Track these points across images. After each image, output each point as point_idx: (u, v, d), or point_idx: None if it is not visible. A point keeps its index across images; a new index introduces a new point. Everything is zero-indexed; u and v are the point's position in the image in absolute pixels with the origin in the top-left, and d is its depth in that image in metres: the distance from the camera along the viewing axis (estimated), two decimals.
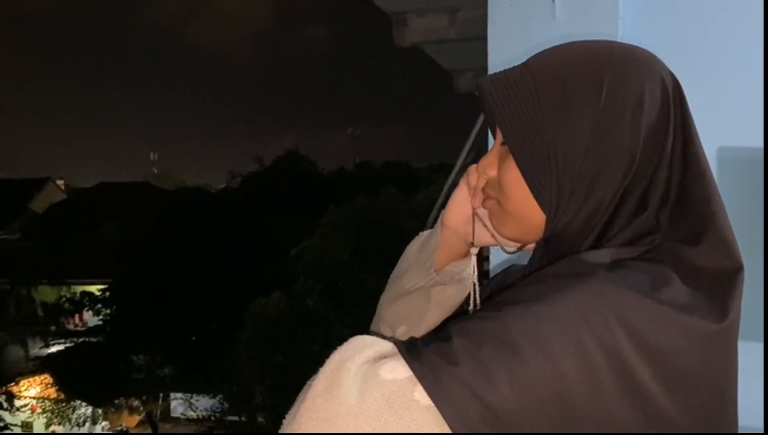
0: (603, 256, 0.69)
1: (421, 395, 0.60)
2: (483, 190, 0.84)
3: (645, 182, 0.72)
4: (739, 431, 0.73)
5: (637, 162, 0.71)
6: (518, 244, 0.85)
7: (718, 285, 0.69)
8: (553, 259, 0.76)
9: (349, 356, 0.65)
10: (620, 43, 0.77)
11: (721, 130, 1.25)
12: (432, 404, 0.60)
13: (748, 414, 0.90)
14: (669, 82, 0.74)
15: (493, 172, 0.80)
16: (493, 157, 0.80)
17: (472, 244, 0.89)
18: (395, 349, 0.66)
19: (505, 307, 0.64)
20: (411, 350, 0.64)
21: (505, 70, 0.77)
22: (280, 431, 0.65)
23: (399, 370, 0.62)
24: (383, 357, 0.65)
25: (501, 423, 0.59)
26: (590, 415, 0.61)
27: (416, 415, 0.60)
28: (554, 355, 0.60)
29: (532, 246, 0.83)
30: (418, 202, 12.38)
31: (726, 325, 0.67)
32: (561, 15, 1.39)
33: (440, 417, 0.59)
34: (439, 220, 0.93)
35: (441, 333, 0.66)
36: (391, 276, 0.99)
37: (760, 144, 1.32)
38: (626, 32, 1.34)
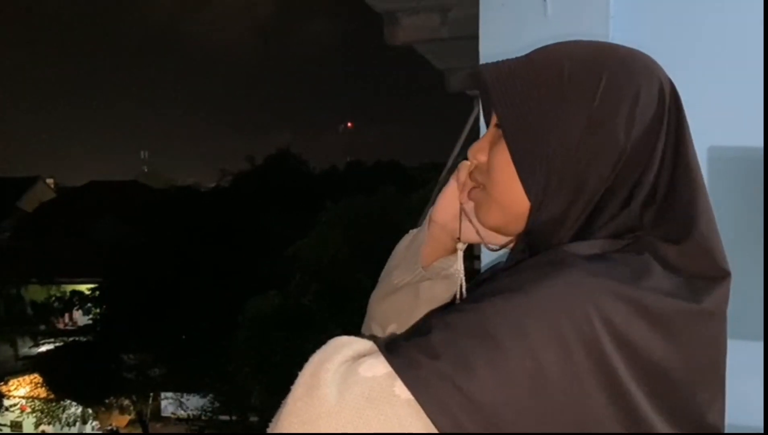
0: (584, 247, 0.69)
1: (401, 389, 0.60)
2: (471, 175, 0.84)
3: (632, 181, 0.72)
4: (741, 431, 0.73)
5: (625, 159, 0.71)
6: (503, 241, 0.85)
7: (696, 281, 0.69)
8: (534, 252, 0.76)
9: (327, 357, 0.65)
10: (623, 46, 0.78)
11: (712, 129, 1.26)
12: (412, 398, 0.60)
13: (750, 413, 0.90)
14: (666, 88, 0.75)
15: (483, 157, 0.81)
16: (485, 142, 0.81)
17: (459, 240, 0.90)
18: (374, 347, 0.66)
19: (485, 298, 0.64)
20: (390, 346, 0.64)
21: (506, 59, 0.78)
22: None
23: (378, 367, 0.62)
24: (362, 355, 0.65)
25: (482, 414, 0.59)
26: (568, 407, 0.61)
27: (397, 410, 0.60)
28: (534, 346, 0.60)
29: None
30: (412, 200, 12.38)
31: (706, 307, 0.67)
32: (552, 14, 1.39)
33: (421, 410, 0.59)
34: (427, 217, 0.94)
35: (420, 327, 0.66)
36: (382, 274, 0.99)
37: (753, 143, 1.33)
38: (617, 31, 1.35)
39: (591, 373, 0.61)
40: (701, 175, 0.74)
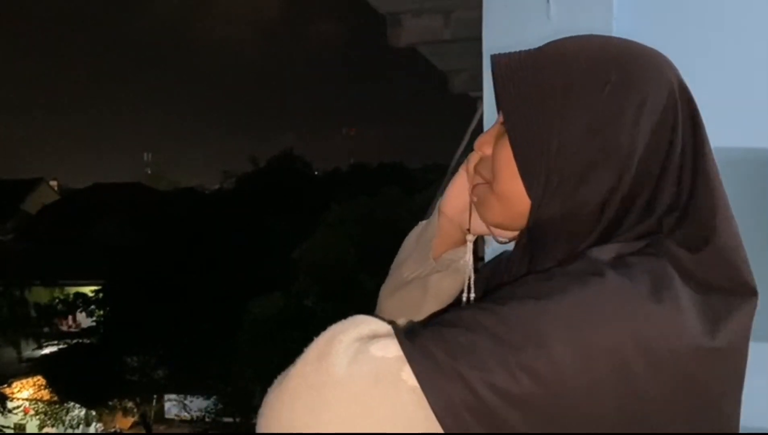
0: (606, 252, 0.68)
1: (408, 376, 0.60)
2: (475, 168, 0.84)
3: (651, 186, 0.71)
4: (748, 432, 0.72)
5: (635, 164, 0.70)
6: (512, 235, 0.84)
7: (714, 298, 0.67)
8: (538, 249, 0.76)
9: (343, 329, 0.65)
10: (634, 43, 0.76)
11: (718, 131, 1.25)
12: (418, 386, 0.60)
13: (758, 414, 0.89)
14: (677, 88, 0.73)
15: (488, 150, 0.80)
16: (491, 136, 0.80)
17: (468, 232, 0.89)
18: (392, 330, 0.66)
19: (509, 301, 0.64)
20: (407, 333, 0.64)
21: (518, 51, 0.76)
22: (269, 391, 0.65)
23: (390, 349, 0.62)
24: (378, 336, 0.65)
25: (486, 413, 0.59)
26: (583, 415, 0.60)
27: (401, 395, 0.60)
28: (554, 355, 0.60)
29: None
30: (416, 202, 12.38)
31: (718, 344, 0.65)
32: (556, 15, 1.39)
33: (424, 399, 0.59)
34: (436, 208, 0.93)
35: (439, 318, 0.66)
36: (392, 266, 0.99)
37: (761, 144, 1.32)
38: (621, 32, 1.34)
39: (611, 384, 0.60)
40: (721, 181, 0.72)
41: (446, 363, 0.60)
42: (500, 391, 0.59)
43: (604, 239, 0.71)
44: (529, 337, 0.60)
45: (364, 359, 0.62)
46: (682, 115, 0.72)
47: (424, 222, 0.97)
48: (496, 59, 0.76)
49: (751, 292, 0.69)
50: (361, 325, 0.66)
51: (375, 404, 0.60)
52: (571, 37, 0.76)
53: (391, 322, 0.68)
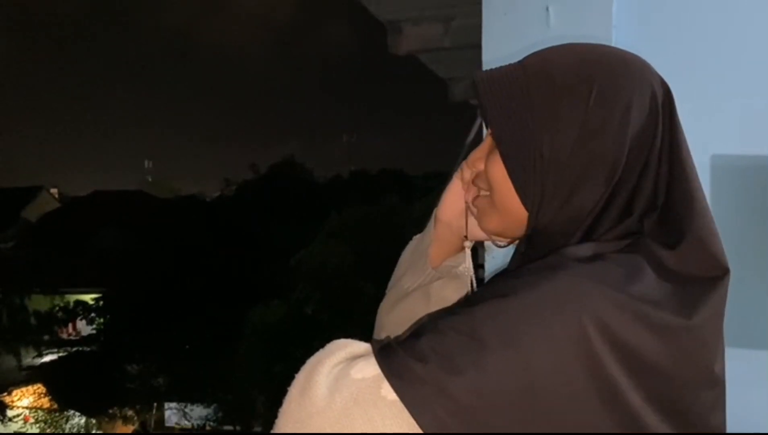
0: (583, 250, 0.70)
1: (387, 391, 0.62)
2: (473, 182, 0.85)
3: (630, 188, 0.73)
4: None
5: (621, 168, 0.72)
6: (509, 239, 0.85)
7: (691, 286, 0.69)
8: (536, 254, 0.77)
9: (322, 359, 0.67)
10: (614, 49, 0.78)
11: (715, 138, 1.26)
12: (398, 399, 0.61)
13: (756, 422, 0.90)
14: (659, 90, 0.75)
15: (481, 166, 0.82)
16: (483, 151, 0.82)
17: (466, 238, 0.90)
18: (370, 349, 0.67)
19: (478, 302, 0.66)
20: (383, 349, 0.66)
21: (500, 67, 0.78)
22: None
23: (368, 369, 0.64)
24: (357, 357, 0.67)
25: (466, 415, 0.60)
26: (559, 409, 0.61)
27: (382, 410, 0.61)
28: (523, 348, 0.61)
29: None
30: (417, 209, 12.39)
31: (695, 323, 0.67)
32: (555, 24, 1.39)
33: (405, 410, 0.61)
34: (432, 217, 0.94)
35: (415, 330, 0.68)
36: (389, 284, 0.99)
37: (758, 151, 1.32)
38: (620, 41, 1.35)
39: (581, 375, 0.61)
40: (697, 178, 0.74)
41: (422, 372, 0.61)
42: (475, 390, 0.60)
43: (587, 237, 0.72)
44: (497, 334, 0.62)
45: (344, 384, 0.64)
46: (663, 115, 0.74)
47: (418, 236, 0.98)
48: (479, 76, 0.77)
49: (724, 272, 0.71)
50: (338, 351, 0.68)
51: (357, 424, 0.61)
52: (551, 48, 0.78)
53: (371, 340, 0.70)
